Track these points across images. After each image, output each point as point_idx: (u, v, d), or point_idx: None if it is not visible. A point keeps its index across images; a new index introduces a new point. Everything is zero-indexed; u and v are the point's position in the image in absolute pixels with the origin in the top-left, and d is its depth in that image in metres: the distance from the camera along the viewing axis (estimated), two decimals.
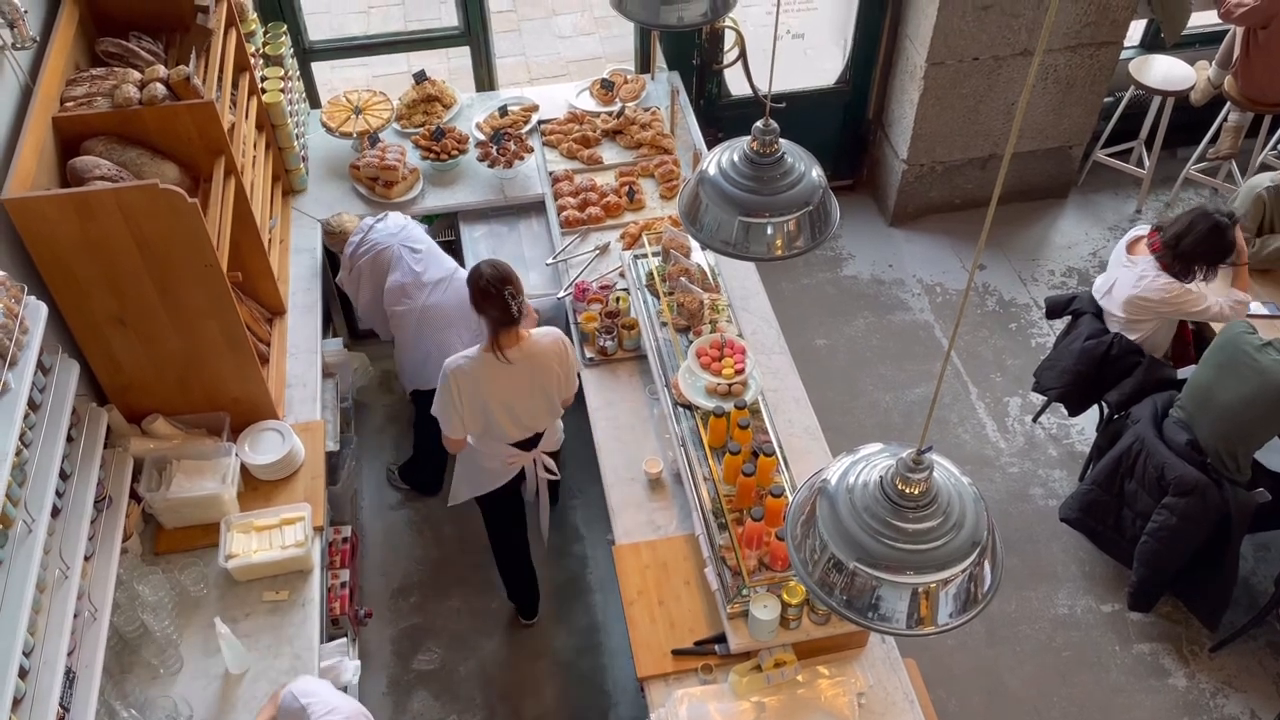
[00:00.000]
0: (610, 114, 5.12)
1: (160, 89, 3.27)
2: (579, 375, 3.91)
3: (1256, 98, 5.63)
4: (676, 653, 3.31)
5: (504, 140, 4.87)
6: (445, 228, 4.95)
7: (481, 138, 4.97)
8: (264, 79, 4.41)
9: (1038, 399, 5.10)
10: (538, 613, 4.46)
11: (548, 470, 3.95)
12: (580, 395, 4.21)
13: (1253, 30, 5.45)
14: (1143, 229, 4.33)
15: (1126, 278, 4.28)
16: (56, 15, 3.38)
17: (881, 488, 1.69)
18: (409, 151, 4.91)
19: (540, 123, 5.12)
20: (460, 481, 3.95)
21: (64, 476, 2.86)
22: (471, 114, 5.16)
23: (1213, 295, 4.18)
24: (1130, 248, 4.33)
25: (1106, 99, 5.97)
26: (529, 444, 3.83)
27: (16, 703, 2.42)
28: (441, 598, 4.50)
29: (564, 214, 4.66)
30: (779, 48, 5.56)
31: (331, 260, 4.85)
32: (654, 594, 3.46)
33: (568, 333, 4.29)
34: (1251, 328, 3.96)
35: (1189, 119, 6.09)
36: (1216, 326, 4.30)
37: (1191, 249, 4.08)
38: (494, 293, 3.36)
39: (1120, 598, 4.48)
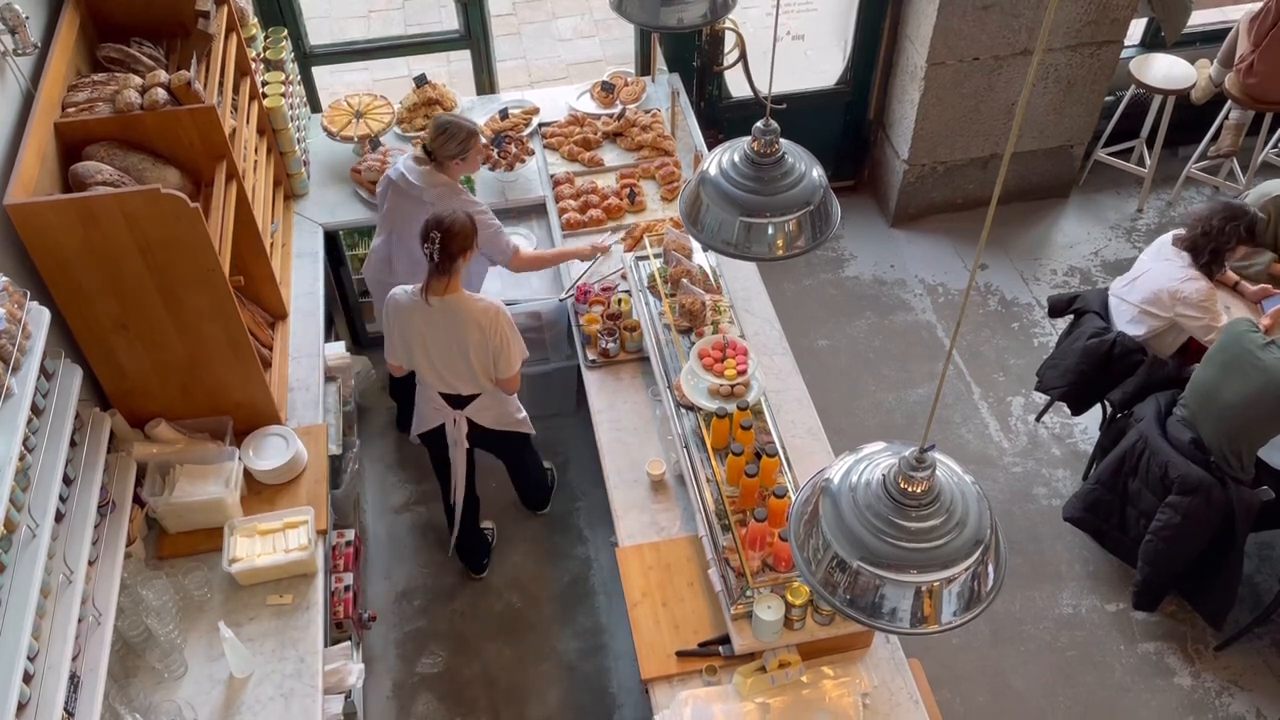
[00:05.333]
0: (611, 116, 5.13)
1: (162, 94, 3.27)
2: (521, 361, 3.86)
3: (1263, 97, 5.61)
4: (681, 654, 3.30)
5: (505, 143, 4.87)
6: None
7: (483, 141, 4.96)
8: (265, 84, 4.42)
9: (1040, 398, 5.10)
10: (484, 569, 4.56)
11: (466, 436, 4.00)
12: (583, 397, 4.22)
13: (1271, 27, 5.41)
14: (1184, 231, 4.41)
15: (1164, 271, 4.31)
16: (58, 21, 3.39)
17: (884, 486, 1.69)
18: None
19: (541, 125, 5.13)
20: (414, 416, 4.13)
21: (67, 481, 2.87)
22: (472, 117, 5.13)
23: (1225, 317, 4.26)
24: (1176, 241, 4.38)
25: (1107, 98, 5.97)
26: (459, 402, 3.92)
27: (21, 707, 2.43)
28: (445, 601, 4.50)
29: (565, 216, 4.67)
30: (779, 49, 5.58)
31: (333, 264, 4.86)
32: (658, 596, 3.46)
33: (570, 336, 4.29)
34: (1254, 326, 3.97)
35: (1190, 117, 6.09)
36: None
37: (1218, 235, 4.18)
38: (422, 231, 3.52)
39: (1125, 597, 4.47)
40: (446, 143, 3.99)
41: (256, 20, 4.56)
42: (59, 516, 2.80)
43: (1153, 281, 4.34)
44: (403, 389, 4.90)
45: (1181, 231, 4.38)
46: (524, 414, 4.12)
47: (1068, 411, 4.92)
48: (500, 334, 3.66)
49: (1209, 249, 4.22)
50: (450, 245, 3.49)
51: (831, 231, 2.38)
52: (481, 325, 3.62)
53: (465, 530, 4.43)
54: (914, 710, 3.21)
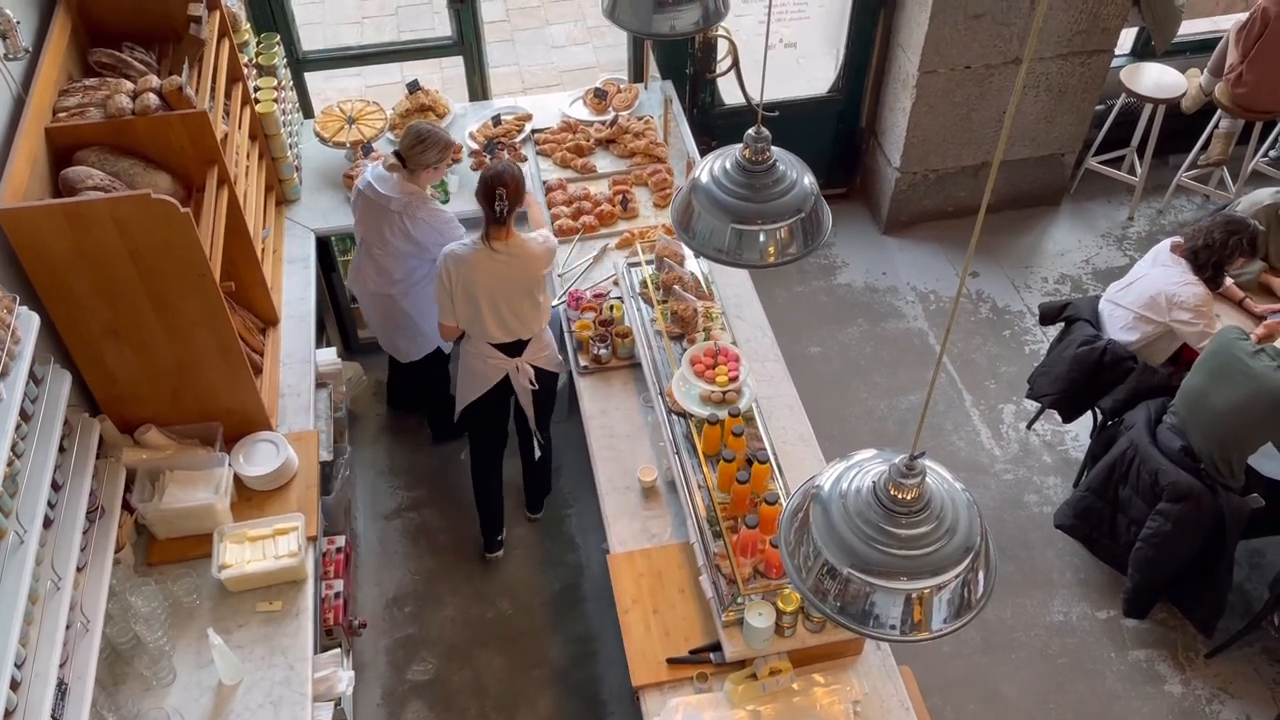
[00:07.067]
0: (604, 123, 5.13)
1: (153, 99, 3.27)
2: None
3: (1252, 106, 5.64)
4: (672, 661, 3.30)
5: (497, 149, 4.87)
6: None
7: (475, 147, 4.97)
8: (257, 89, 4.41)
9: (1032, 406, 5.10)
10: (500, 547, 4.64)
11: (530, 381, 4.09)
12: (575, 404, 4.21)
13: (1258, 37, 5.44)
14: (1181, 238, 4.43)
15: (1162, 275, 4.32)
16: (49, 26, 3.38)
17: (875, 493, 1.69)
18: None
19: (534, 132, 5.13)
20: (458, 392, 4.23)
21: (56, 487, 2.86)
22: (465, 123, 5.16)
23: (1220, 325, 4.27)
24: (1175, 248, 4.39)
25: (1098, 107, 5.99)
26: (514, 351, 4.02)
27: (9, 714, 2.41)
28: (436, 607, 4.49)
29: (558, 223, 4.67)
30: (771, 56, 5.58)
31: (325, 270, 4.85)
32: (649, 603, 3.46)
33: (561, 341, 4.30)
34: (1244, 334, 3.98)
35: (1180, 126, 6.11)
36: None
37: (1220, 248, 4.21)
38: (485, 190, 3.71)
39: (1116, 604, 4.48)
40: (425, 151, 4.02)
41: (249, 26, 4.56)
42: (47, 522, 2.79)
43: (1150, 285, 4.36)
44: (402, 390, 4.99)
45: (1180, 239, 4.40)
46: (555, 348, 4.23)
47: (1059, 419, 4.93)
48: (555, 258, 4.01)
49: (1211, 262, 4.25)
50: (517, 195, 3.73)
51: (823, 239, 2.39)
52: (548, 257, 3.89)
53: (540, 471, 4.60)
54: (905, 718, 3.21)
